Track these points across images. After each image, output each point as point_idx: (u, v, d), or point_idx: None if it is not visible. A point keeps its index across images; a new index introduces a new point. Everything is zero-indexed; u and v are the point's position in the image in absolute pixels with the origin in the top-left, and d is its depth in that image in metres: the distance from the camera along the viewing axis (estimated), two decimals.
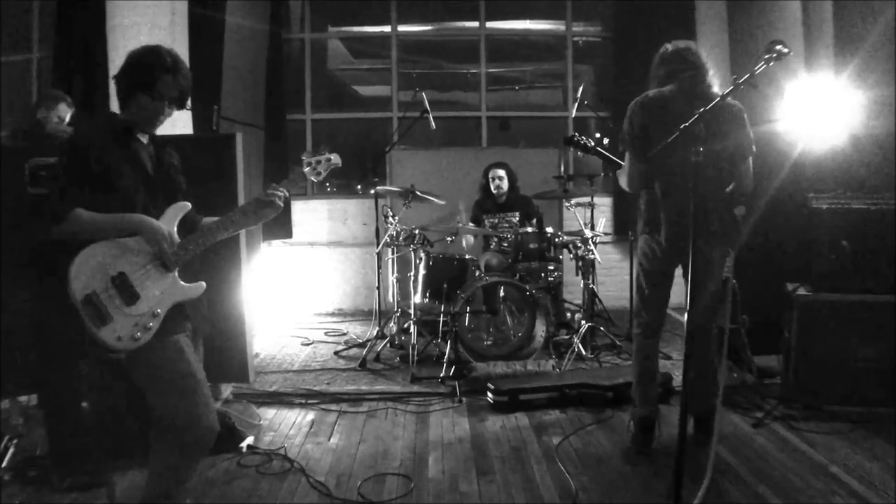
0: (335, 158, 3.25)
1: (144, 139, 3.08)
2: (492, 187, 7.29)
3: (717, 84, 4.21)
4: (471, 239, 6.92)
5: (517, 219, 7.23)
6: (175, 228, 2.98)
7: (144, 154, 3.05)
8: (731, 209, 4.28)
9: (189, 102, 3.12)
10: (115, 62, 8.01)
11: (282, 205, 3.12)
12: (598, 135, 7.74)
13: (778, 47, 3.00)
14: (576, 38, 9.64)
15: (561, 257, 6.88)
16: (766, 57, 3.02)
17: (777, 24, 7.68)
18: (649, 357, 4.44)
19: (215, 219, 3.10)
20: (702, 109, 2.99)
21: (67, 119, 5.98)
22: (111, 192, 2.86)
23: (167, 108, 3.01)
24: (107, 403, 4.16)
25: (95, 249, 2.82)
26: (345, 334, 7.63)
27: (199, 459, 3.11)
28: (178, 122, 7.64)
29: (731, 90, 3.06)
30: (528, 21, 10.19)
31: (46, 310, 4.14)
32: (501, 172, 7.29)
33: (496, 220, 7.30)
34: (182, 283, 2.99)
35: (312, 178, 3.22)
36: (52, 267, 3.00)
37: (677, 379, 5.31)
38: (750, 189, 4.25)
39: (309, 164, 3.22)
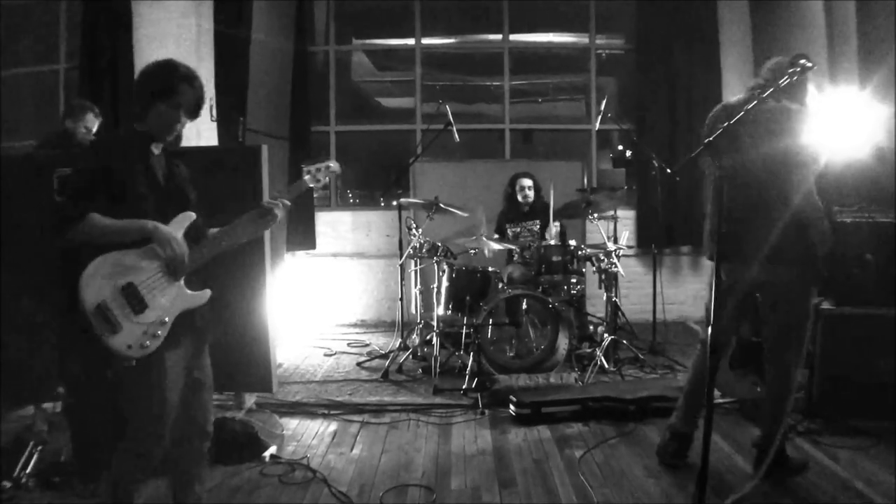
0: (334, 165, 3.42)
1: (157, 150, 3.14)
2: (519, 197, 7.31)
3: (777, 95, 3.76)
4: (493, 246, 6.86)
5: (538, 227, 7.24)
6: (181, 237, 3.04)
7: (157, 165, 3.13)
8: (801, 229, 3.81)
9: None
10: None
11: (280, 214, 3.24)
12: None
13: (802, 61, 3.02)
14: (599, 51, 9.65)
15: (584, 270, 6.88)
16: (791, 71, 3.03)
17: (801, 38, 7.66)
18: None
19: (219, 229, 3.20)
20: (726, 123, 2.98)
21: (95, 129, 6.03)
22: (125, 201, 2.93)
23: (183, 116, 3.09)
24: None
25: (105, 260, 2.89)
26: (368, 345, 7.65)
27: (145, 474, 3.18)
28: (204, 134, 7.74)
29: (754, 103, 3.07)
30: (551, 34, 10.21)
31: (72, 317, 4.20)
32: (529, 182, 7.31)
33: (518, 229, 7.31)
34: (188, 291, 3.07)
35: (312, 185, 3.39)
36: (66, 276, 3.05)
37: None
38: (811, 204, 3.82)
39: (308, 171, 3.39)
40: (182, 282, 3.05)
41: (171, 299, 3.01)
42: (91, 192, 2.88)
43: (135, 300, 2.91)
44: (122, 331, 2.87)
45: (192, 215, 3.11)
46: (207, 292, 3.13)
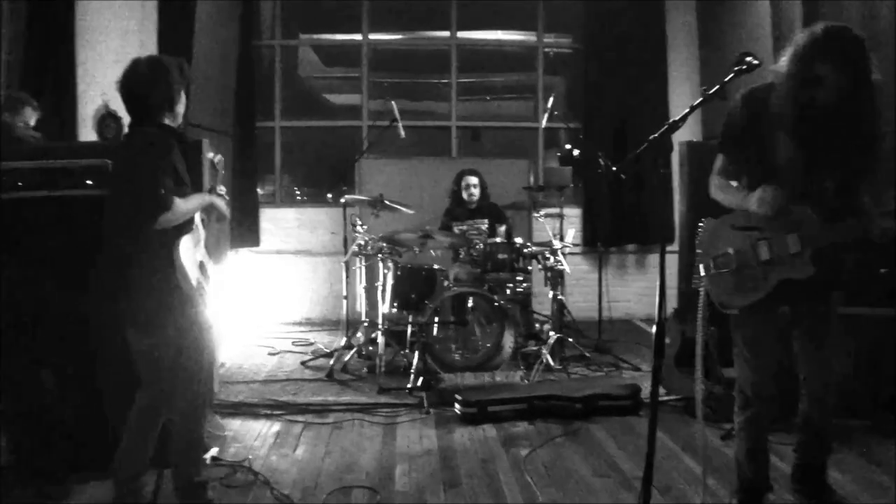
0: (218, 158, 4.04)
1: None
2: (464, 195, 7.26)
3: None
4: (440, 239, 6.76)
5: (486, 226, 7.20)
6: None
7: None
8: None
9: None
10: (86, 64, 7.98)
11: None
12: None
13: (748, 59, 3.00)
14: (547, 50, 9.68)
15: (530, 268, 6.87)
16: (736, 68, 3.02)
17: (746, 38, 7.75)
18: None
19: None
20: (669, 122, 2.91)
21: (33, 123, 5.90)
22: (182, 185, 3.43)
23: None
24: (68, 415, 4.10)
25: (185, 244, 3.38)
26: (312, 344, 7.55)
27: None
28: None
29: (699, 102, 3.05)
30: (499, 31, 10.21)
31: (8, 319, 4.09)
32: (475, 180, 7.27)
33: (465, 227, 7.26)
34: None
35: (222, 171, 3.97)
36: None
37: (646, 390, 5.29)
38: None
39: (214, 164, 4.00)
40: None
41: (211, 268, 3.69)
42: (169, 181, 3.29)
43: (205, 273, 3.57)
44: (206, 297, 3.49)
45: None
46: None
